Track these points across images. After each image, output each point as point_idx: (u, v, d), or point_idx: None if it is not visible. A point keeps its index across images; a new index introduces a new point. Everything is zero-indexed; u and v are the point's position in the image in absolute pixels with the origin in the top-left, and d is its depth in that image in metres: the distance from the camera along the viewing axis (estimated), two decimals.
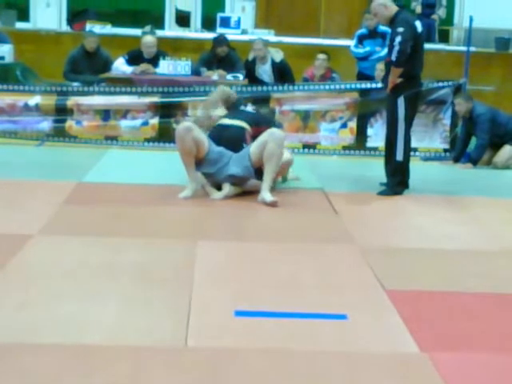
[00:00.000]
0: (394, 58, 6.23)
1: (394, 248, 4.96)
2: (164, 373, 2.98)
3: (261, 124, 6.47)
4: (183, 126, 6.14)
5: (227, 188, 6.11)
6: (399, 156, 6.49)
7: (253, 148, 6.16)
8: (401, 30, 6.20)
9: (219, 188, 6.17)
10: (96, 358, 3.09)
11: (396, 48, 6.20)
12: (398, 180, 6.56)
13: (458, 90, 8.51)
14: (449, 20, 12.59)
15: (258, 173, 6.14)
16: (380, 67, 8.25)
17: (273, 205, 5.84)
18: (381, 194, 6.49)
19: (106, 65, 9.22)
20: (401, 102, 6.38)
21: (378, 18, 6.67)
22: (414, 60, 6.35)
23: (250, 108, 7.13)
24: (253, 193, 6.12)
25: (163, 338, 3.35)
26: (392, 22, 6.38)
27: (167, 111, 8.50)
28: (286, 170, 6.73)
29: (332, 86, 8.67)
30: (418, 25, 6.41)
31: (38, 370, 2.96)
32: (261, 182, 6.06)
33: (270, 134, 6.12)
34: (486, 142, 8.17)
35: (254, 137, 6.30)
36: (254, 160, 6.12)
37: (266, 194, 5.93)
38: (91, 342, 3.25)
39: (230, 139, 6.28)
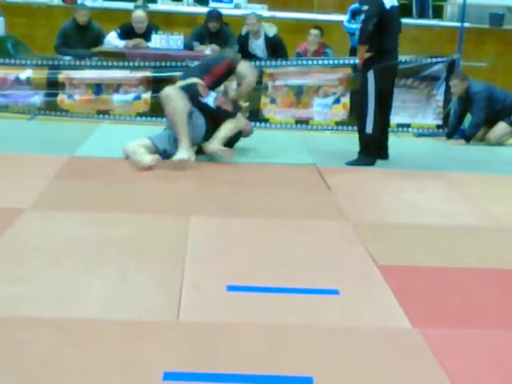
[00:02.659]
0: (356, 35, 6.39)
1: (387, 224, 4.96)
2: (156, 347, 2.98)
3: (212, 67, 6.79)
4: (170, 89, 6.50)
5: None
6: (369, 129, 6.59)
7: None
8: (365, 8, 6.37)
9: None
10: (88, 332, 3.09)
11: (359, 26, 6.43)
12: (368, 152, 6.67)
13: (451, 65, 8.49)
14: None
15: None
16: None
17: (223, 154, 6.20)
18: (349, 164, 6.61)
19: (98, 38, 9.15)
20: (370, 75, 6.51)
21: None
22: (382, 36, 6.43)
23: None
24: (247, 170, 6.11)
25: (155, 312, 3.35)
26: None
27: (160, 86, 8.40)
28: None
29: (325, 62, 8.63)
30: (386, 1, 6.45)
31: (30, 343, 2.96)
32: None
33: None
34: (481, 121, 8.14)
35: (215, 79, 6.74)
36: None
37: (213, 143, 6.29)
38: (84, 316, 3.25)
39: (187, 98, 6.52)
